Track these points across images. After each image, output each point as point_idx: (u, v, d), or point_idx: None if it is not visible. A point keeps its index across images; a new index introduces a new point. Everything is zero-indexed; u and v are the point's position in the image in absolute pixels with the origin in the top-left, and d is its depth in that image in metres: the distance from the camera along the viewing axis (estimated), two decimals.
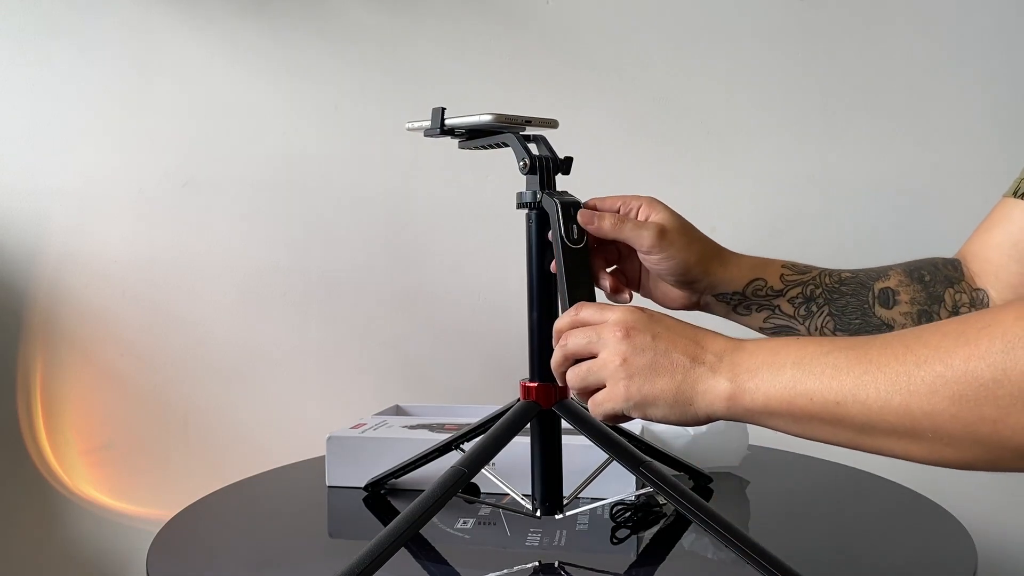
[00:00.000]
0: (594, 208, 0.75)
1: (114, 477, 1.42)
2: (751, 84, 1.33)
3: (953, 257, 0.80)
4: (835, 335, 0.73)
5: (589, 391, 0.66)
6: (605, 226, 0.73)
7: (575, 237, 0.73)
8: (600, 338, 0.64)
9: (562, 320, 0.68)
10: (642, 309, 0.65)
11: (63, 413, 1.42)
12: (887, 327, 0.73)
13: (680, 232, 0.74)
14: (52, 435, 1.41)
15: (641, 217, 0.75)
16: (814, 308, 0.75)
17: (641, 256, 0.75)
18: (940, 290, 0.75)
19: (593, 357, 0.65)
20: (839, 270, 0.78)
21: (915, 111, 1.30)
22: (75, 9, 1.38)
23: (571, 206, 0.74)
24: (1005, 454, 0.48)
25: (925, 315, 0.72)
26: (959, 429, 0.49)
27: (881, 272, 0.78)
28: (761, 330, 0.77)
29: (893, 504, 0.97)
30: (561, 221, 0.73)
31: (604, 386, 0.64)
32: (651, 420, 0.63)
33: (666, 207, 0.76)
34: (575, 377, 0.66)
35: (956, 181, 1.30)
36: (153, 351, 1.41)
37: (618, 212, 0.75)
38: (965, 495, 1.05)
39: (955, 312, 0.75)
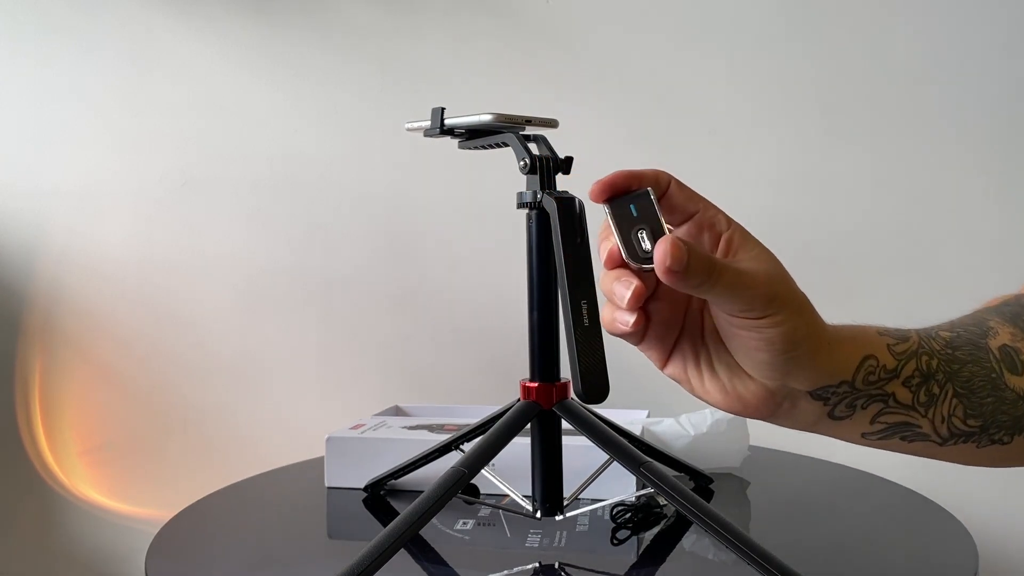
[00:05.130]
0: (675, 238, 0.46)
1: (113, 477, 1.42)
2: (751, 83, 1.33)
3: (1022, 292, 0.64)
4: (966, 424, 0.53)
5: None
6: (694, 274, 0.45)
7: (577, 238, 0.73)
8: None
9: None
10: None
11: (62, 413, 1.41)
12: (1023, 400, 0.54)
13: (787, 282, 0.48)
14: (51, 435, 1.41)
15: (732, 252, 0.50)
16: (935, 389, 0.52)
17: (732, 321, 0.48)
18: None
19: None
20: (930, 328, 0.56)
21: (915, 111, 1.30)
22: (75, 9, 1.38)
23: (571, 203, 0.73)
24: None
25: None
26: None
27: (980, 325, 0.57)
28: (864, 436, 0.53)
29: (893, 504, 0.97)
30: (560, 221, 0.72)
31: None
32: None
33: (758, 242, 0.50)
34: None
35: (956, 181, 1.29)
36: (153, 351, 1.41)
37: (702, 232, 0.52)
38: (965, 495, 1.05)
39: None
